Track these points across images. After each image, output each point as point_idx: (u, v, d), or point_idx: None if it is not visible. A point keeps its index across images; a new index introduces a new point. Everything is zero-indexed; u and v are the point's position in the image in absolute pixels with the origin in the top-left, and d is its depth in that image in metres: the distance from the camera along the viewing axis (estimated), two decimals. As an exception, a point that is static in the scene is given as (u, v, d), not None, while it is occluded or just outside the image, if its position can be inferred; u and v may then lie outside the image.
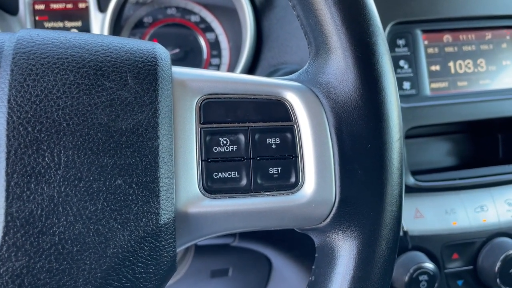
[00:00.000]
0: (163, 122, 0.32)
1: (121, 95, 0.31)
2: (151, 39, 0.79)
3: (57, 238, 0.28)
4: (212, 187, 0.33)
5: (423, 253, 0.66)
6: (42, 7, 0.75)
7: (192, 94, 0.34)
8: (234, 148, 0.34)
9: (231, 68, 0.81)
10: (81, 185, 0.29)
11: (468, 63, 0.72)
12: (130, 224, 0.30)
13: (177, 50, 0.79)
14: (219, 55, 0.81)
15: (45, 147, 0.29)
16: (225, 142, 0.34)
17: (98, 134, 0.30)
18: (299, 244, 0.75)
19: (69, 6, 0.76)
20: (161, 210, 0.31)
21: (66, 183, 0.29)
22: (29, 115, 0.29)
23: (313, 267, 0.37)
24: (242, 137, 0.34)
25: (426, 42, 0.70)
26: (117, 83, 0.31)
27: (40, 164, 0.28)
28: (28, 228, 0.28)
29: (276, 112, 0.35)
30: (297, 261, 0.78)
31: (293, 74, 0.38)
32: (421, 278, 0.63)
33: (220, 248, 0.79)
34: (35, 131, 0.29)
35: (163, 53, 0.34)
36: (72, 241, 0.29)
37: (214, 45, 0.81)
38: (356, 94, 0.34)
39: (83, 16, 0.76)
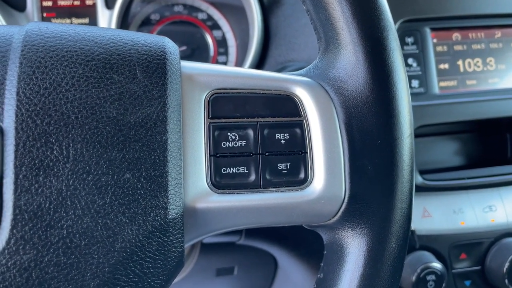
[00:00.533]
0: (172, 116, 0.32)
1: (130, 89, 0.31)
2: (158, 36, 0.79)
3: (65, 232, 0.28)
4: (220, 182, 0.33)
5: (430, 252, 0.65)
6: (49, 3, 0.75)
7: (201, 88, 0.34)
8: (243, 143, 0.34)
9: (238, 65, 0.80)
10: (89, 178, 0.29)
11: (477, 61, 0.71)
12: (138, 218, 0.30)
13: (184, 48, 0.79)
14: (226, 53, 0.81)
15: (53, 140, 0.28)
16: (233, 137, 0.34)
17: (107, 127, 0.30)
18: (305, 243, 0.75)
19: (77, 3, 0.76)
20: (169, 204, 0.30)
21: (74, 176, 0.29)
22: (38, 108, 0.29)
23: (322, 264, 0.37)
24: (251, 132, 0.34)
25: (435, 40, 0.70)
26: (126, 77, 0.31)
27: (48, 157, 0.28)
28: (36, 222, 0.28)
29: (285, 107, 0.35)
30: (303, 259, 0.77)
31: (302, 70, 0.38)
32: (428, 278, 0.62)
33: (226, 246, 0.79)
34: (44, 124, 0.28)
35: (172, 47, 0.34)
36: (80, 235, 0.28)
37: (221, 43, 0.81)
38: (367, 89, 0.34)
39: (90, 13, 0.76)
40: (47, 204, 0.28)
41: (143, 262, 0.30)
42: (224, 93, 0.34)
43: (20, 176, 0.28)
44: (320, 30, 0.36)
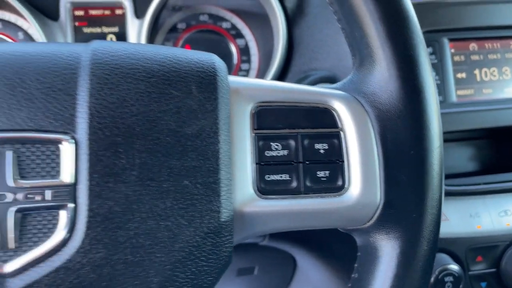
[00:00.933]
0: (223, 128, 0.34)
1: (187, 103, 0.34)
2: (184, 44, 0.82)
3: (132, 233, 0.31)
4: (265, 188, 0.36)
5: (448, 255, 0.68)
6: (81, 13, 0.78)
7: (247, 101, 0.37)
8: (285, 152, 0.37)
9: (260, 73, 0.83)
10: (153, 184, 0.32)
11: (493, 71, 0.74)
12: (196, 221, 0.33)
13: (210, 56, 0.81)
14: (248, 61, 0.84)
15: (121, 150, 0.32)
16: (276, 146, 0.37)
17: (167, 138, 0.33)
18: (326, 244, 0.77)
19: (107, 12, 0.79)
20: (222, 209, 0.33)
21: (140, 182, 0.32)
22: (107, 121, 0.32)
23: (356, 265, 0.40)
24: (292, 142, 0.37)
25: (452, 50, 0.72)
26: (183, 92, 0.34)
27: (117, 165, 0.31)
28: (107, 223, 0.31)
29: (324, 119, 0.38)
30: (323, 261, 0.80)
31: (337, 83, 0.41)
32: (446, 279, 0.65)
33: (249, 247, 0.82)
34: (113, 135, 0.32)
35: (220, 63, 0.37)
36: (145, 235, 0.31)
37: (244, 51, 0.84)
38: (400, 104, 0.36)
39: (119, 22, 0.79)
40: (116, 208, 0.31)
41: (199, 261, 0.33)
42: (268, 105, 0.37)
43: (93, 182, 0.31)
44: (355, 47, 0.39)
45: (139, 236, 0.31)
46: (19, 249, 0.30)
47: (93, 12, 0.79)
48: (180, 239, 0.32)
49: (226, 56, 0.83)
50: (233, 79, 0.38)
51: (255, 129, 0.37)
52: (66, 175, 0.31)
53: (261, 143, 0.37)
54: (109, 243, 0.31)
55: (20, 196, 0.30)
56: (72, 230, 0.30)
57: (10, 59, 0.32)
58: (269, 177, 0.36)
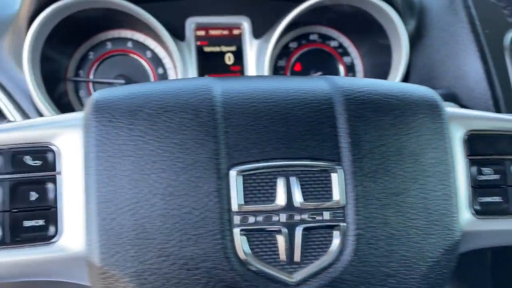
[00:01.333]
0: (449, 155, 0.39)
1: (424, 132, 0.38)
2: (295, 62, 0.86)
3: (389, 249, 0.35)
4: (479, 210, 0.40)
5: None
6: (202, 33, 0.83)
7: (460, 129, 0.41)
8: (497, 177, 0.41)
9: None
10: (403, 206, 0.36)
11: None
12: (438, 239, 0.37)
13: (319, 73, 0.86)
14: (354, 77, 0.88)
15: (378, 176, 0.36)
16: (488, 171, 0.41)
17: (411, 165, 0.37)
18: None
19: (225, 32, 0.84)
20: (456, 228, 0.37)
21: (393, 205, 0.36)
22: (365, 150, 0.36)
23: None
24: (501, 167, 0.41)
25: None
26: (419, 123, 0.38)
27: (376, 189, 0.36)
28: (372, 241, 0.35)
29: None
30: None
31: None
32: None
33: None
34: (371, 164, 0.36)
35: (438, 96, 0.41)
36: (399, 252, 0.36)
37: (350, 68, 0.88)
38: None
39: (237, 42, 0.84)
40: (378, 228, 0.35)
41: (438, 275, 0.37)
42: (478, 133, 0.41)
43: (360, 205, 0.35)
44: None
45: (396, 252, 0.35)
46: (302, 262, 0.34)
47: (213, 32, 0.84)
48: (425, 255, 0.36)
49: (333, 72, 0.87)
50: (448, 109, 0.42)
51: (468, 155, 0.41)
52: (338, 198, 0.35)
53: (474, 168, 0.40)
54: (373, 258, 0.35)
55: (305, 216, 0.34)
56: (343, 246, 0.35)
57: (277, 99, 0.37)
58: (481, 199, 0.40)
